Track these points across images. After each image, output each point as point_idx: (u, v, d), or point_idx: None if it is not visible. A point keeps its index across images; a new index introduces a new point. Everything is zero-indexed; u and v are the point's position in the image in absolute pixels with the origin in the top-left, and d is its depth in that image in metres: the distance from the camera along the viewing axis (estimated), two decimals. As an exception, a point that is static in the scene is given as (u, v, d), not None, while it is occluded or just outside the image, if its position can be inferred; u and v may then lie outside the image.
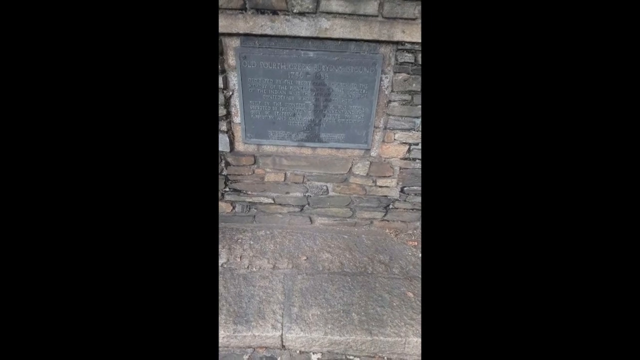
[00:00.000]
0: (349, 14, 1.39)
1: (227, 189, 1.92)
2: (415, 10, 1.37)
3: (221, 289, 1.56)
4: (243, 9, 1.39)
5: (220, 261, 1.74)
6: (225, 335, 1.38)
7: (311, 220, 2.06)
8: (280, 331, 1.39)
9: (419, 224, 2.08)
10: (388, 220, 2.06)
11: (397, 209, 2.01)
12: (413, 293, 1.60)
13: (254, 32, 1.44)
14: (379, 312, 1.49)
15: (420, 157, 1.80)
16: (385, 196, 1.95)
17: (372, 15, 1.39)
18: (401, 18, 1.38)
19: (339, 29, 1.42)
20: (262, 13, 1.40)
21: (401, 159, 1.80)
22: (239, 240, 1.90)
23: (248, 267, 1.71)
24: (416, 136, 1.72)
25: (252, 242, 1.89)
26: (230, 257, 1.77)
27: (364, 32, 1.42)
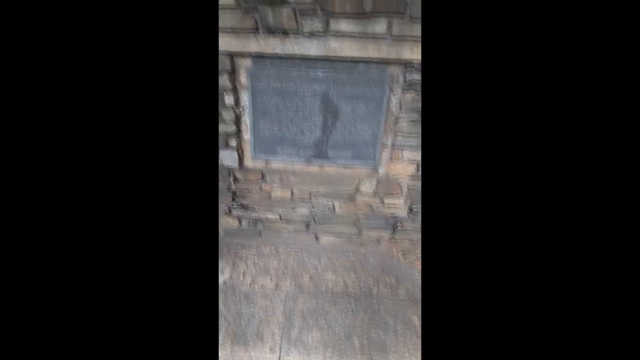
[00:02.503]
0: (358, 35, 1.41)
1: (234, 204, 1.93)
2: (424, 32, 1.38)
3: (222, 307, 1.54)
4: (255, 30, 1.44)
5: (223, 278, 1.72)
6: (222, 355, 1.35)
7: (317, 238, 2.03)
8: (278, 354, 1.35)
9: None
10: (395, 240, 2.01)
11: (405, 229, 1.96)
12: (418, 318, 1.53)
13: (265, 52, 1.48)
14: (382, 337, 1.43)
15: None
16: (393, 215, 1.91)
17: (381, 36, 1.41)
18: (410, 38, 1.39)
19: (348, 49, 1.44)
20: (273, 34, 1.44)
21: (409, 177, 1.77)
22: (243, 257, 1.89)
23: (250, 285, 1.68)
24: (425, 156, 1.69)
25: (256, 259, 1.87)
26: (234, 273, 1.76)
27: (372, 52, 1.44)
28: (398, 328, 1.47)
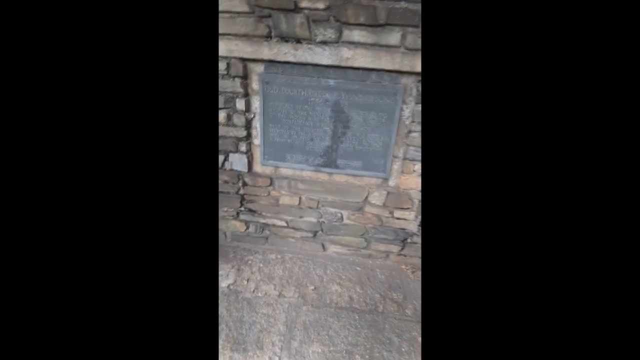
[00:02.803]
0: (371, 44, 1.39)
1: (242, 209, 1.93)
2: (440, 42, 1.34)
3: (223, 312, 1.53)
4: (268, 36, 1.44)
5: (227, 282, 1.72)
6: (220, 362, 1.33)
7: (324, 248, 2.00)
8: (277, 365, 1.32)
9: (438, 261, 1.94)
10: (405, 256, 1.95)
11: (415, 243, 1.90)
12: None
13: (277, 59, 1.48)
14: (385, 357, 1.37)
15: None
16: (403, 229, 1.85)
17: (394, 46, 1.38)
18: (424, 49, 1.36)
19: (361, 59, 1.42)
20: (286, 41, 1.44)
21: (420, 191, 1.72)
22: (249, 262, 1.88)
23: (254, 291, 1.67)
24: (438, 169, 1.63)
25: (261, 265, 1.86)
26: (238, 278, 1.75)
27: (385, 62, 1.41)
28: (403, 348, 1.41)
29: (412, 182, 1.69)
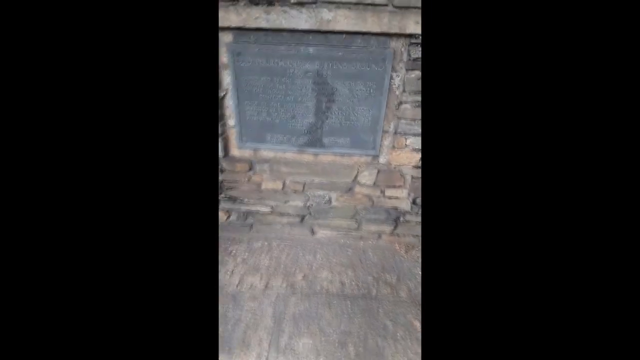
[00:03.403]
0: (354, 4, 1.21)
1: (222, 196, 1.78)
2: (432, -2, 1.17)
3: (206, 309, 1.42)
4: (235, -1, 1.24)
5: (210, 275, 1.60)
6: (205, 364, 1.24)
7: (313, 232, 1.89)
8: (266, 363, 1.23)
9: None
10: (398, 235, 1.86)
11: (408, 222, 1.81)
12: (420, 322, 1.40)
13: (247, 26, 1.29)
14: (380, 344, 1.30)
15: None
16: (395, 208, 1.75)
17: (381, 5, 1.20)
18: (414, 7, 1.19)
19: (343, 21, 1.25)
20: (256, 4, 1.25)
21: (413, 167, 1.60)
22: (233, 253, 1.76)
23: (238, 285, 1.56)
24: (431, 143, 1.51)
25: (246, 255, 1.74)
26: (221, 272, 1.63)
27: (371, 24, 1.24)
28: (398, 334, 1.34)
29: (404, 157, 1.57)
